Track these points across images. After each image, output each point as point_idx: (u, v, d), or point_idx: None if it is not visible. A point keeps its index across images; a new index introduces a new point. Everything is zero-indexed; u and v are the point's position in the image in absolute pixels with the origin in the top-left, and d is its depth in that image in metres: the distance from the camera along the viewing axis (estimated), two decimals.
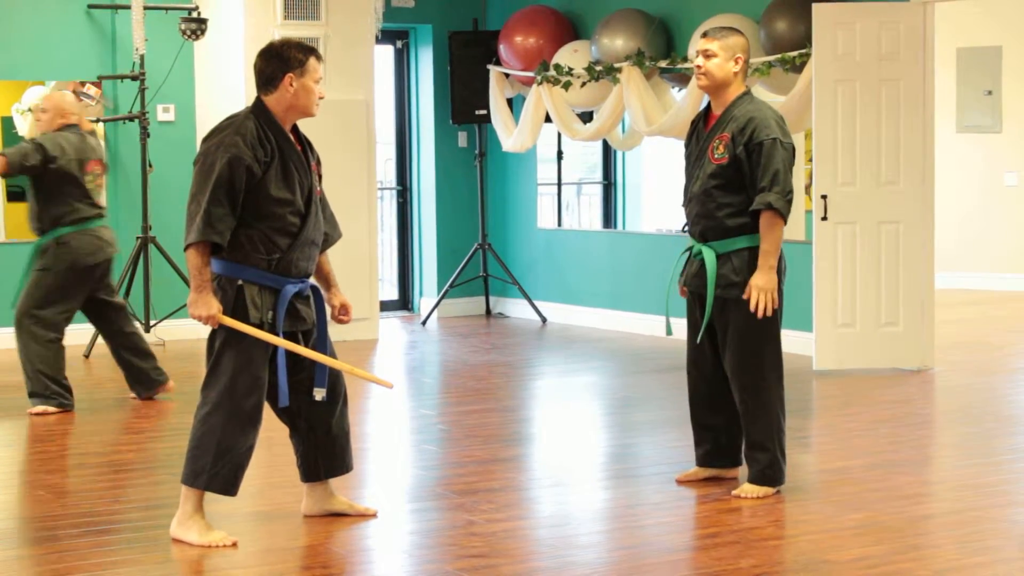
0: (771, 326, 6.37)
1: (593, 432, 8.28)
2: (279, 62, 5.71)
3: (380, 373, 10.49)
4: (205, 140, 5.71)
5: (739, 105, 6.37)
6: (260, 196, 5.65)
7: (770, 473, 6.39)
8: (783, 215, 6.23)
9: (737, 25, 10.41)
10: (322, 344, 5.90)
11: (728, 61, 6.38)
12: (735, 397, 6.45)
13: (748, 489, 6.38)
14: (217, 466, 5.73)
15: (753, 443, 6.41)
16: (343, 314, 5.99)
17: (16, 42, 11.09)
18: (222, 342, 5.72)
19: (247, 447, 5.79)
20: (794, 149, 6.36)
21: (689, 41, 10.70)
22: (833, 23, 9.53)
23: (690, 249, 6.54)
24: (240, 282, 5.68)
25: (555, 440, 7.99)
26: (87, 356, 10.57)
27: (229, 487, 5.79)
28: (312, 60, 5.77)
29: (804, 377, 9.50)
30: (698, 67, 6.44)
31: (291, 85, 5.73)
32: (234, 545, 5.73)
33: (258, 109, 5.77)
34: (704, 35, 6.50)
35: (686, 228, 6.59)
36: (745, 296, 6.27)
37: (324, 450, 6.04)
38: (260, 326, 5.69)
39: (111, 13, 11.27)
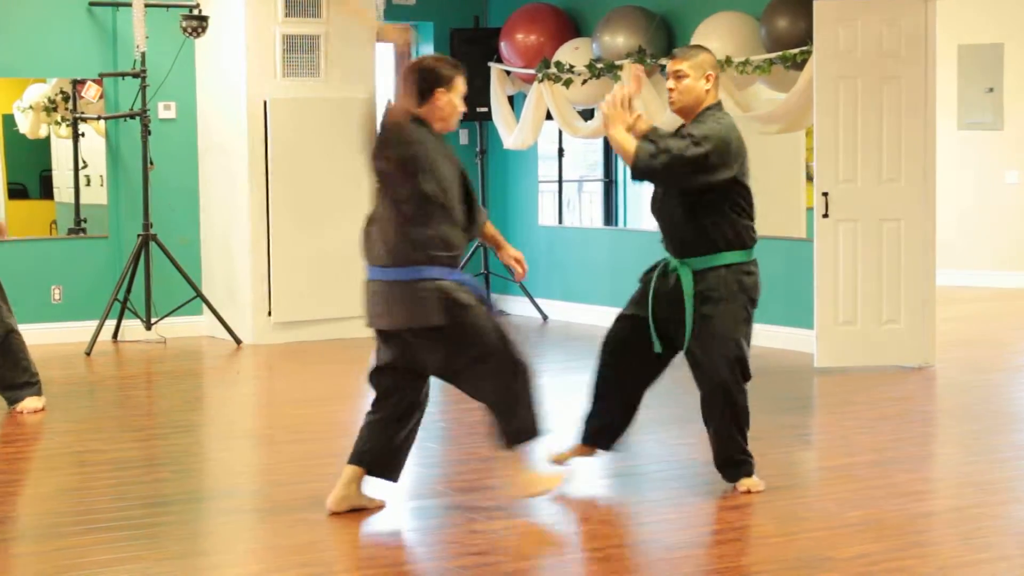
0: (742, 330, 6.37)
1: None
2: (433, 77, 5.91)
3: None
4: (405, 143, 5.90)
5: (700, 117, 6.36)
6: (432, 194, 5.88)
7: (752, 464, 6.42)
8: (639, 157, 6.20)
9: (738, 22, 10.42)
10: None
11: (699, 79, 6.38)
12: (706, 400, 6.40)
13: (750, 483, 6.39)
14: (531, 411, 6.05)
15: (733, 445, 6.40)
16: (520, 266, 6.23)
17: (17, 39, 11.08)
18: (469, 321, 5.90)
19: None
20: (704, 159, 6.17)
21: (691, 38, 10.69)
22: (834, 20, 9.53)
23: (664, 263, 6.52)
24: (441, 282, 5.87)
25: (556, 437, 7.97)
26: (88, 354, 10.57)
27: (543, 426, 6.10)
28: (459, 78, 6.01)
29: (805, 374, 9.50)
30: (670, 89, 6.43)
31: (440, 100, 5.92)
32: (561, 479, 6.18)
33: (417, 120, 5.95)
34: (672, 57, 6.49)
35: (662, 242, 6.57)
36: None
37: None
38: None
39: (112, 10, 11.26)
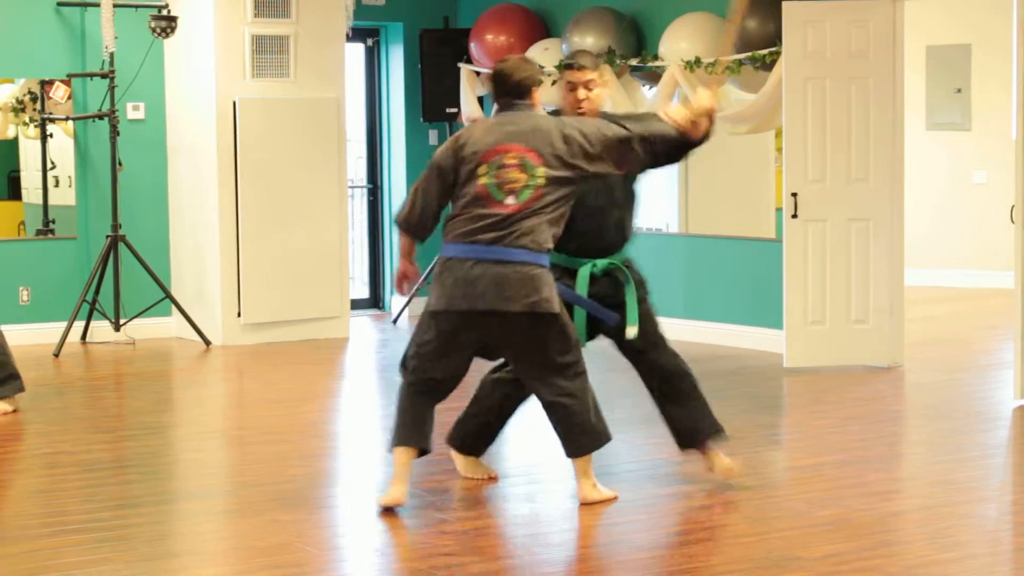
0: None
1: None
2: (531, 78, 6.22)
3: (351, 372, 10.49)
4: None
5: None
6: None
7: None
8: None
9: (708, 23, 10.45)
10: None
11: (604, 87, 6.56)
12: (671, 381, 6.47)
13: (728, 465, 6.45)
14: (601, 418, 6.24)
15: (710, 423, 6.48)
16: None
17: None
18: (565, 319, 6.11)
19: None
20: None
21: (660, 39, 10.71)
22: (803, 21, 9.55)
23: (587, 269, 6.48)
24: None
25: (527, 438, 7.98)
26: (57, 355, 10.53)
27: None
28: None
29: (775, 374, 9.53)
30: (583, 99, 6.47)
31: (536, 97, 6.26)
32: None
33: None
34: (580, 67, 6.50)
35: (573, 248, 6.46)
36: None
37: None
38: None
39: (80, 11, 11.21)
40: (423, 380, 6.23)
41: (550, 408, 6.21)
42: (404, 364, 6.32)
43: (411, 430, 6.22)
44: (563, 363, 6.14)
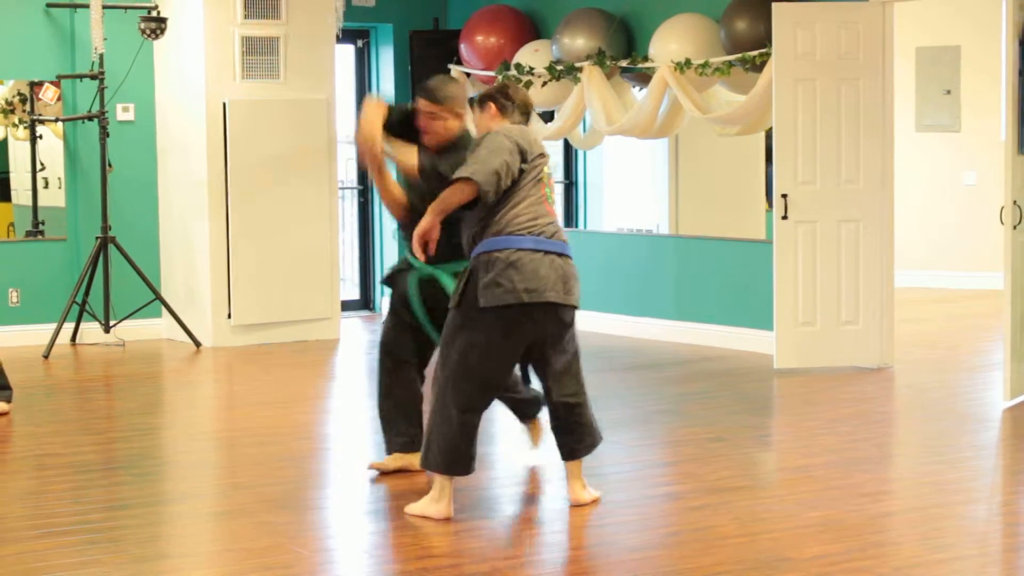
0: None
1: None
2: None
3: (341, 374, 10.48)
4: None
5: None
6: None
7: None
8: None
9: (697, 24, 10.45)
10: None
11: (451, 121, 6.51)
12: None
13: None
14: (596, 421, 6.43)
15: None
16: None
17: None
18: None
19: None
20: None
21: (650, 40, 10.72)
22: (793, 23, 9.57)
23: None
24: None
25: (518, 439, 7.99)
26: (46, 357, 10.52)
27: None
28: None
29: (765, 375, 9.53)
30: (424, 131, 6.52)
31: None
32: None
33: None
34: (421, 96, 6.51)
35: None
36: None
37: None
38: None
39: (70, 12, 11.20)
40: (476, 390, 6.10)
41: (556, 407, 6.24)
42: (458, 386, 6.08)
43: (462, 461, 6.12)
44: (570, 361, 6.22)
